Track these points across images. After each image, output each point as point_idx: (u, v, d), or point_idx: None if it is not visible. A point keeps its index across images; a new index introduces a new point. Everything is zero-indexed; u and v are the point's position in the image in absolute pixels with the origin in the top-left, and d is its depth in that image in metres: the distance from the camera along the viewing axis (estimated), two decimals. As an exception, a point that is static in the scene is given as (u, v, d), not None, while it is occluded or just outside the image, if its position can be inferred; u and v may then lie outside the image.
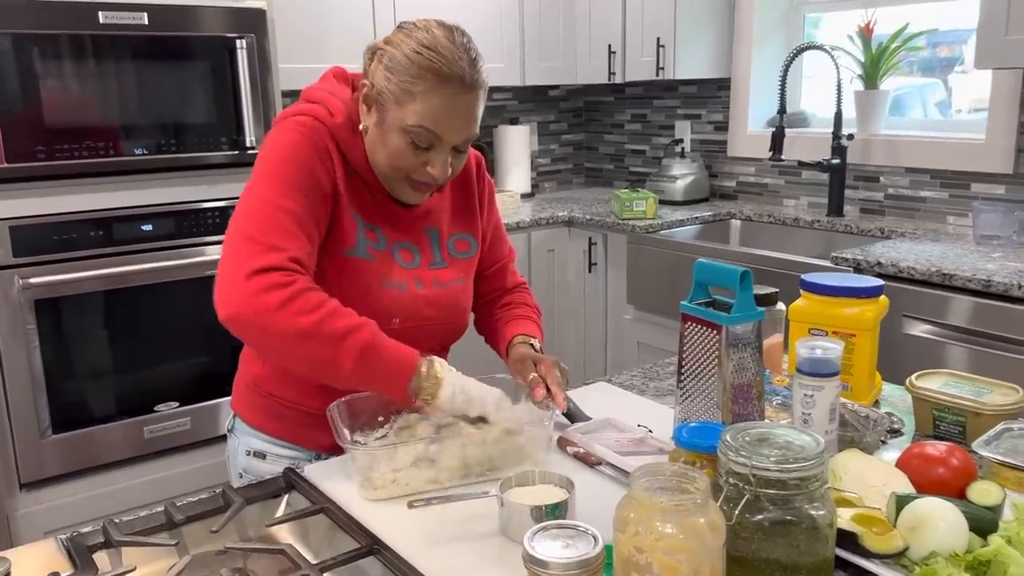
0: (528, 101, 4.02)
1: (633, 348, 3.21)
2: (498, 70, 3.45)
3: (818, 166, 3.06)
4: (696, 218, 3.25)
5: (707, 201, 3.55)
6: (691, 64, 3.33)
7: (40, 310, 2.36)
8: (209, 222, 2.57)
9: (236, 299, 1.11)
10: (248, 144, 2.59)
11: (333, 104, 1.29)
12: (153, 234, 2.51)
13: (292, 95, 3.19)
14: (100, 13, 2.32)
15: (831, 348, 1.13)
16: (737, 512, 0.87)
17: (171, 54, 2.46)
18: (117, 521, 1.07)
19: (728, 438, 0.89)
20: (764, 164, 3.43)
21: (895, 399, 1.47)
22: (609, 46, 3.48)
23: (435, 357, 1.21)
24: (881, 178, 3.06)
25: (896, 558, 0.93)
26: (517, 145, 3.75)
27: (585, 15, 3.58)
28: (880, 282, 1.36)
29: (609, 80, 3.52)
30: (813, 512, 0.87)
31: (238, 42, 2.54)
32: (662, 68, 3.30)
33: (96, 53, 2.34)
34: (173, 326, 2.58)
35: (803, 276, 1.40)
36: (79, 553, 1.01)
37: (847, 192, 3.10)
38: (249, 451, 1.41)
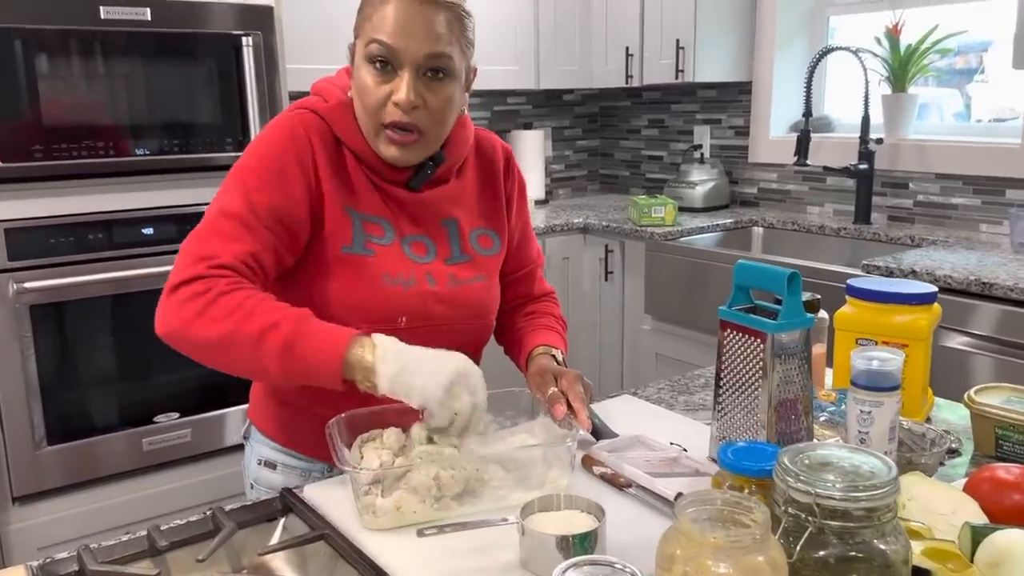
0: (542, 106, 3.94)
1: (651, 360, 3.10)
2: (512, 73, 3.38)
3: (845, 172, 2.95)
4: (716, 225, 3.14)
5: (727, 208, 3.45)
6: (711, 67, 3.24)
7: (36, 316, 2.28)
8: (213, 226, 2.48)
9: (162, 316, 1.08)
10: (259, 145, 2.51)
11: (330, 91, 1.25)
12: (155, 238, 2.43)
13: (300, 96, 3.13)
14: (101, 8, 2.25)
15: (891, 359, 1.01)
16: (799, 548, 0.75)
17: (174, 52, 2.38)
18: (94, 547, 0.97)
19: (787, 461, 0.78)
20: (787, 170, 3.32)
21: (947, 415, 1.35)
22: (627, 48, 3.39)
23: (376, 335, 1.07)
24: (910, 184, 2.95)
25: (977, 600, 0.81)
26: (530, 151, 3.65)
27: (602, 17, 3.49)
28: (934, 288, 1.25)
29: (626, 83, 3.43)
30: (884, 547, 0.76)
31: (244, 40, 2.46)
32: (681, 71, 3.20)
33: (96, 49, 2.26)
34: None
35: (850, 281, 1.29)
36: (49, 584, 0.90)
37: (875, 199, 3.00)
38: (260, 460, 1.34)
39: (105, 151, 2.30)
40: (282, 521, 1.05)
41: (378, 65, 1.14)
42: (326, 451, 1.18)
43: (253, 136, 2.51)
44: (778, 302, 1.07)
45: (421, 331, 1.18)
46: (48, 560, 0.94)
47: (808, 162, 2.91)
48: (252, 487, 1.35)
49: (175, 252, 2.50)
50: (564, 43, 3.50)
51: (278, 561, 0.99)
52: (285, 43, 2.60)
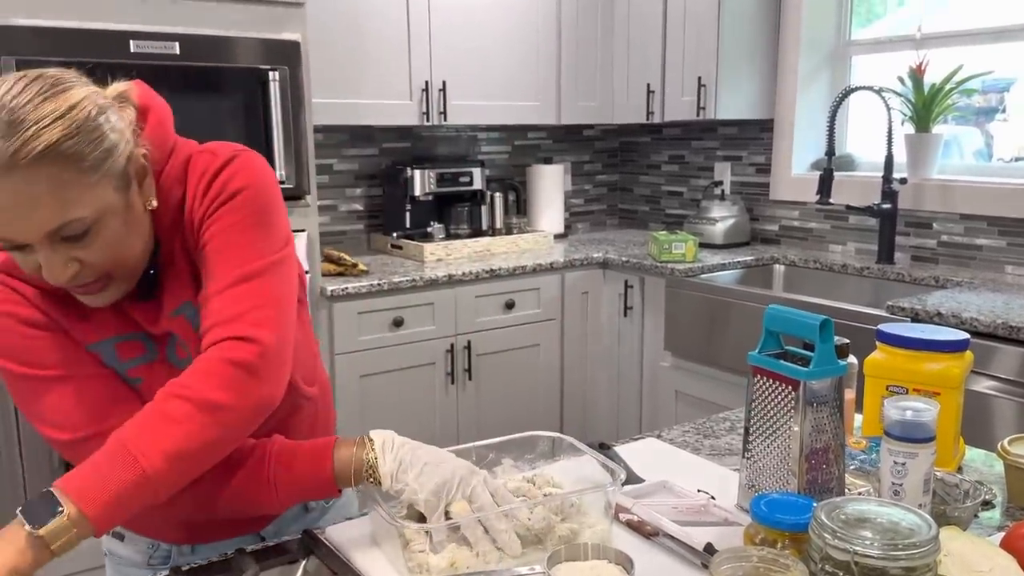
0: (562, 140, 3.94)
1: (671, 397, 3.07)
2: (533, 108, 3.39)
3: (868, 211, 2.93)
4: (738, 262, 3.12)
5: (748, 245, 3.43)
6: (733, 104, 3.23)
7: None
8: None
9: None
10: (278, 178, 2.51)
11: None
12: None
13: (325, 130, 3.18)
14: (132, 42, 2.27)
15: (925, 410, 0.99)
16: (837, 608, 0.73)
17: (202, 85, 2.40)
18: (113, 587, 0.95)
19: (823, 516, 0.76)
20: (808, 208, 3.30)
21: (977, 465, 1.32)
22: (648, 85, 3.39)
23: (374, 431, 1.06)
24: (934, 224, 2.92)
25: (1020, 664, 0.78)
26: (550, 185, 3.65)
27: (623, 53, 3.50)
28: (967, 336, 1.22)
29: (647, 120, 3.43)
30: (924, 607, 0.73)
31: (271, 74, 2.48)
32: (703, 108, 3.20)
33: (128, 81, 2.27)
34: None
35: (881, 327, 1.26)
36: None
37: (898, 239, 2.97)
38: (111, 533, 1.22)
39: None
40: (303, 564, 1.03)
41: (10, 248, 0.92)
42: (165, 532, 1.16)
43: (279, 169, 2.53)
44: (807, 347, 1.05)
45: None
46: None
47: (831, 200, 2.90)
48: (106, 554, 1.24)
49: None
50: (585, 79, 3.51)
51: (299, 605, 0.98)
52: (311, 77, 2.62)
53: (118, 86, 1.00)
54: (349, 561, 0.99)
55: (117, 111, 0.94)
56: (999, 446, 1.19)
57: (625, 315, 3.22)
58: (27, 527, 0.83)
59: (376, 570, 0.97)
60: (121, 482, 0.87)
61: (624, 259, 3.19)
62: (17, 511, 0.85)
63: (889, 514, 0.77)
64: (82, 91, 0.90)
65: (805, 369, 1.01)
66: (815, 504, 0.78)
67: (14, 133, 0.83)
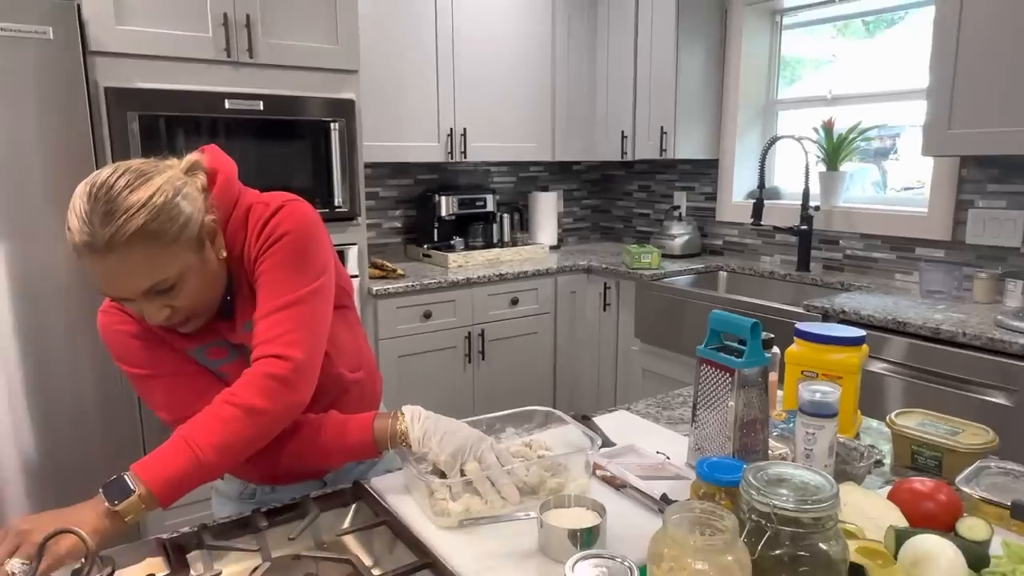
0: (556, 173, 3.94)
1: (639, 374, 3.06)
2: (533, 148, 3.38)
3: (790, 231, 2.92)
4: (691, 269, 3.11)
5: (699, 256, 3.41)
6: (687, 147, 3.22)
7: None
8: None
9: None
10: (337, 204, 2.54)
11: None
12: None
13: (372, 166, 3.19)
14: (226, 100, 2.28)
15: (831, 392, 0.99)
16: (760, 547, 0.73)
17: (280, 133, 2.41)
18: (209, 524, 0.96)
19: (750, 477, 0.76)
20: (745, 228, 3.29)
21: (872, 431, 1.32)
22: (622, 132, 3.39)
23: (405, 406, 1.06)
24: (840, 241, 2.91)
25: (900, 591, 0.78)
26: (546, 208, 3.65)
27: (604, 107, 3.49)
28: (863, 333, 1.22)
29: (622, 158, 3.41)
30: (827, 548, 0.73)
31: (332, 125, 2.48)
32: (664, 150, 3.19)
33: (221, 130, 2.29)
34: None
35: (798, 325, 1.26)
36: (174, 553, 0.89)
37: (812, 252, 2.96)
38: None
39: (225, 207, 2.32)
40: (353, 507, 1.04)
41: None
42: (252, 476, 1.16)
43: (336, 197, 2.53)
44: (742, 343, 1.05)
45: None
46: (175, 534, 0.94)
47: (761, 222, 2.89)
48: (212, 489, 1.25)
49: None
50: (574, 126, 3.50)
51: (350, 540, 0.98)
52: (362, 126, 2.62)
53: (191, 157, 1.00)
54: (388, 506, 1.00)
55: (191, 184, 0.95)
56: (888, 419, 1.19)
57: (604, 310, 3.21)
58: (106, 503, 0.85)
59: (408, 513, 0.98)
60: (180, 468, 0.89)
61: (604, 266, 3.19)
62: (100, 490, 0.87)
63: (801, 476, 0.77)
64: (160, 178, 0.91)
65: (739, 360, 1.01)
66: (744, 467, 0.78)
67: (110, 221, 0.85)
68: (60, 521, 0.82)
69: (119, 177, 0.88)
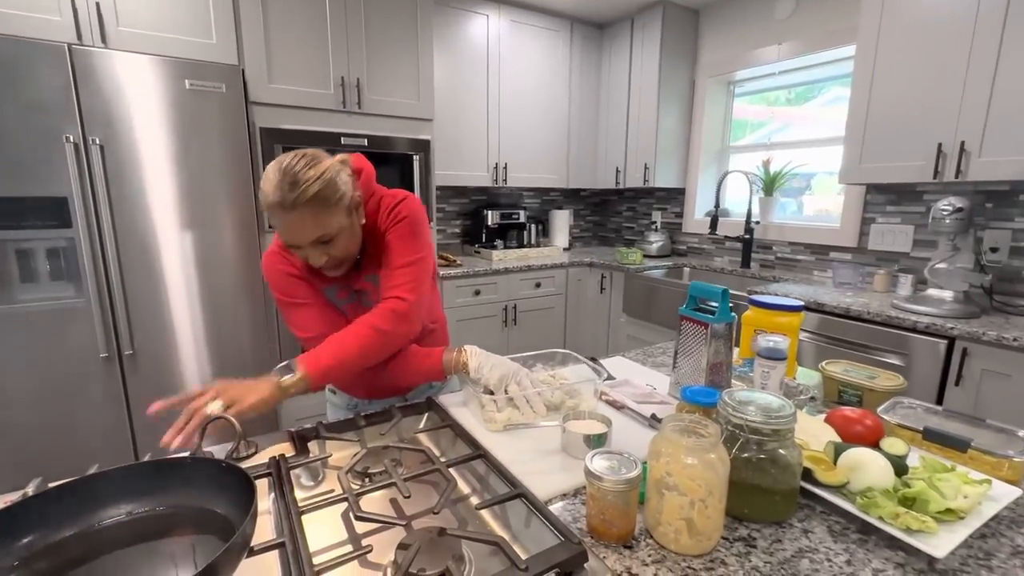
0: (569, 196, 3.85)
1: (624, 339, 2.97)
2: (553, 179, 3.30)
3: (736, 239, 2.80)
4: (663, 266, 3.00)
5: (670, 256, 3.29)
6: (663, 179, 3.10)
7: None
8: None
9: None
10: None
11: None
12: (362, 259, 2.41)
13: (440, 188, 3.14)
14: (341, 137, 2.24)
15: (782, 342, 0.91)
16: (735, 450, 0.66)
17: (378, 162, 2.36)
18: (325, 422, 0.92)
19: (727, 399, 0.69)
20: (704, 236, 3.17)
21: (802, 375, 1.23)
22: (616, 167, 3.28)
23: (467, 345, 1.01)
24: (773, 247, 2.78)
25: (840, 489, 0.71)
26: (561, 221, 3.56)
27: (604, 148, 3.38)
28: (802, 303, 1.13)
29: (616, 186, 3.31)
30: (786, 452, 0.66)
31: (414, 157, 2.43)
32: (647, 180, 3.08)
33: (338, 159, 2.25)
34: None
35: (752, 296, 1.17)
36: (300, 441, 0.85)
37: (752, 255, 2.83)
38: (328, 388, 1.17)
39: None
40: (426, 415, 0.99)
41: (289, 247, 0.92)
42: (355, 392, 1.10)
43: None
44: (702, 308, 0.98)
45: None
46: (300, 428, 0.91)
47: (716, 232, 2.77)
48: (327, 402, 1.21)
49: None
50: (582, 163, 3.41)
51: (423, 437, 0.93)
52: (435, 159, 2.57)
53: (342, 156, 0.99)
54: (451, 414, 0.95)
55: (343, 170, 0.93)
56: (820, 365, 1.10)
57: (601, 293, 3.13)
58: (276, 379, 0.85)
59: (465, 421, 0.93)
60: (329, 362, 0.88)
61: (601, 262, 3.10)
62: (273, 370, 0.86)
63: (764, 399, 0.70)
64: (327, 162, 0.91)
65: (712, 317, 0.94)
66: (720, 393, 0.71)
67: (295, 188, 0.85)
68: (247, 389, 0.82)
69: (300, 159, 0.88)
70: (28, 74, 1.62)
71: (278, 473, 0.75)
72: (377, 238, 1.00)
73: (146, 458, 0.67)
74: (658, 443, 0.63)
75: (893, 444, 0.78)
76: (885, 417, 0.86)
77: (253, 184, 2.08)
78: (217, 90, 1.93)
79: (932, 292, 1.87)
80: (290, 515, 0.65)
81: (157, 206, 1.88)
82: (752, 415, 0.65)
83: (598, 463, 0.64)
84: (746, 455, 0.66)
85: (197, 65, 1.87)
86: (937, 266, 1.84)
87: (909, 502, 0.65)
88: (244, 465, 0.79)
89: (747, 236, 2.76)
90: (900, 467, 0.73)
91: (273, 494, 0.73)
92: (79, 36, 1.73)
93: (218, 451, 0.81)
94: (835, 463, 0.74)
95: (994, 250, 1.94)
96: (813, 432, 0.84)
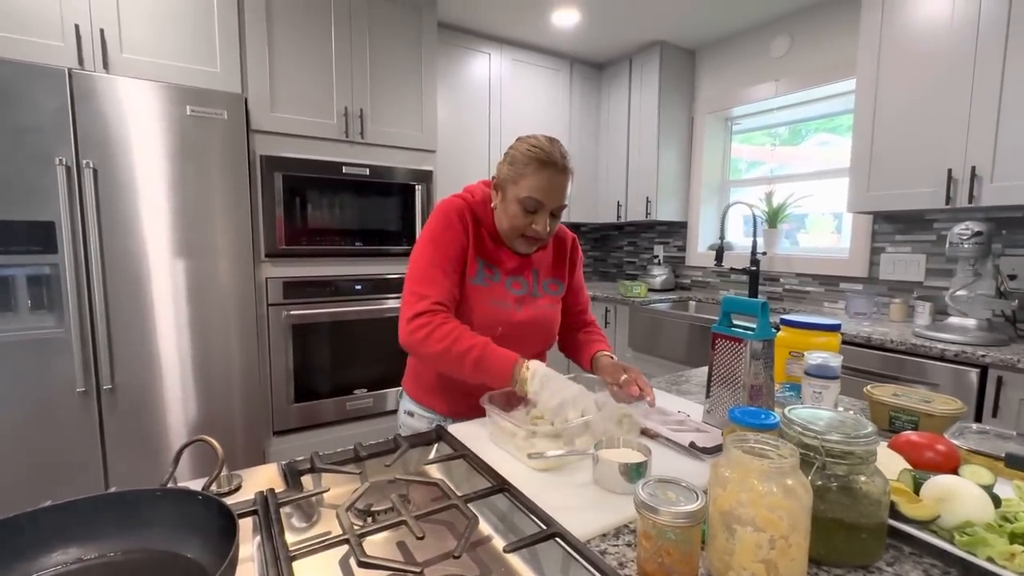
0: (572, 230, 3.80)
1: (629, 373, 2.86)
2: (555, 214, 3.27)
3: (743, 271, 2.74)
4: (668, 299, 2.94)
5: (674, 290, 3.24)
6: (665, 212, 3.09)
7: (295, 331, 2.17)
8: (392, 286, 2.37)
9: (403, 335, 0.96)
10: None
11: (476, 191, 1.08)
12: (361, 291, 2.32)
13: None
14: (343, 167, 2.21)
15: (831, 358, 0.82)
16: (808, 478, 0.56)
17: (380, 191, 2.32)
18: (320, 454, 0.81)
19: (791, 416, 0.60)
20: (708, 270, 3.12)
21: (842, 402, 1.13)
22: (618, 201, 3.27)
23: (531, 360, 0.92)
24: (781, 279, 2.72)
25: (928, 524, 0.60)
26: (562, 256, 3.51)
27: (604, 184, 3.38)
28: (839, 322, 1.05)
29: (617, 220, 3.29)
30: (869, 480, 0.56)
31: (416, 187, 2.40)
32: (649, 214, 3.06)
33: (338, 189, 2.21)
34: (367, 344, 2.35)
35: (782, 317, 1.09)
36: (291, 475, 0.74)
37: (760, 287, 2.77)
38: (406, 411, 1.13)
39: (338, 242, 2.23)
40: (436, 445, 0.88)
41: (528, 207, 0.97)
42: (443, 407, 1.03)
43: (418, 234, 2.43)
44: (737, 325, 0.90)
45: (511, 336, 1.02)
46: (292, 460, 0.79)
47: (721, 264, 2.72)
48: (400, 428, 1.16)
49: (371, 299, 2.40)
50: (583, 198, 3.40)
51: (434, 470, 0.82)
52: (437, 187, 2.54)
53: None
54: (464, 443, 0.83)
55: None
56: (865, 390, 1.00)
57: (606, 326, 3.04)
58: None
59: (482, 451, 0.82)
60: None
61: (606, 295, 3.03)
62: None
63: (834, 416, 0.61)
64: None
65: (752, 333, 0.85)
66: (773, 413, 0.62)
67: (565, 158, 0.97)
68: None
69: (553, 140, 0.98)
70: (24, 96, 1.58)
71: (265, 511, 0.63)
72: (562, 252, 1.13)
73: (111, 490, 0.56)
74: (723, 467, 0.53)
75: (976, 471, 0.68)
76: (957, 443, 0.76)
77: (251, 211, 2.02)
78: (219, 117, 1.90)
79: (954, 320, 1.79)
80: (278, 561, 0.53)
81: (150, 233, 1.80)
82: (828, 434, 0.56)
83: (650, 494, 0.53)
84: (821, 483, 0.56)
85: (199, 92, 1.85)
86: (958, 293, 1.78)
87: (1020, 538, 0.55)
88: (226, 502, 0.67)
89: (753, 268, 2.70)
90: (992, 499, 0.63)
91: (258, 537, 0.61)
92: (80, 62, 1.71)
93: (195, 485, 0.70)
94: (916, 494, 0.63)
95: (1012, 277, 1.88)
96: (881, 460, 0.74)
